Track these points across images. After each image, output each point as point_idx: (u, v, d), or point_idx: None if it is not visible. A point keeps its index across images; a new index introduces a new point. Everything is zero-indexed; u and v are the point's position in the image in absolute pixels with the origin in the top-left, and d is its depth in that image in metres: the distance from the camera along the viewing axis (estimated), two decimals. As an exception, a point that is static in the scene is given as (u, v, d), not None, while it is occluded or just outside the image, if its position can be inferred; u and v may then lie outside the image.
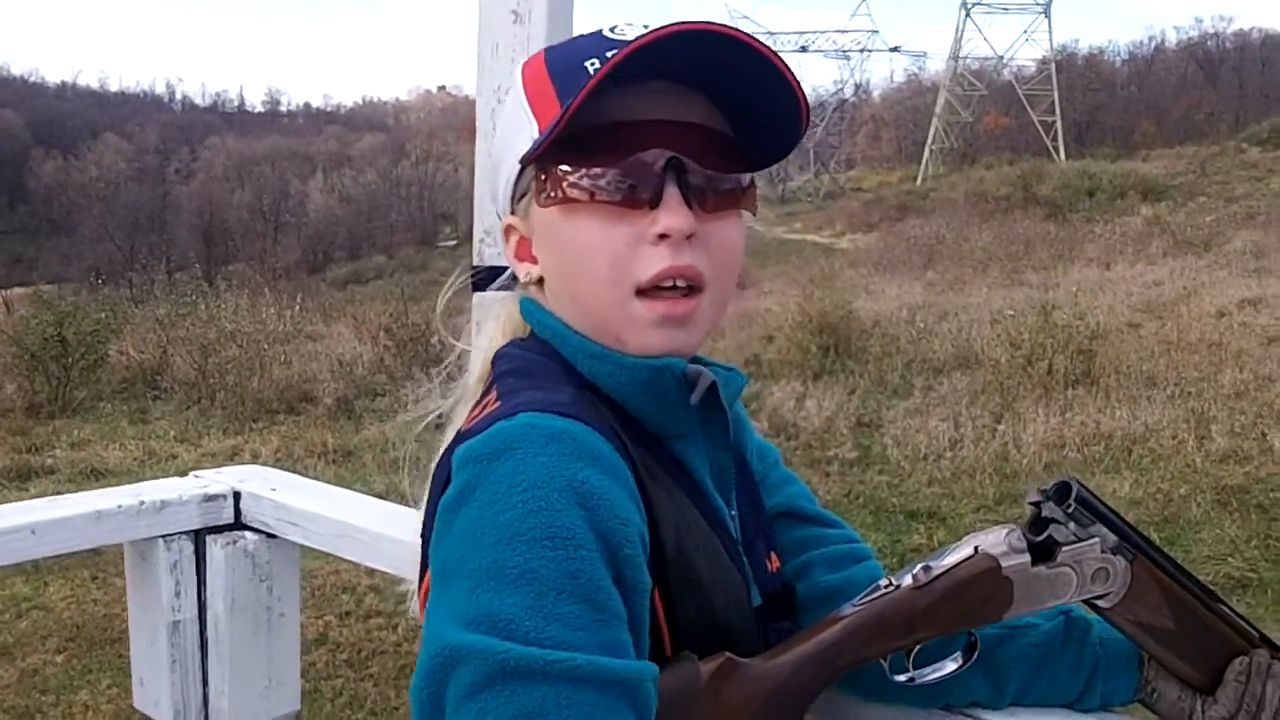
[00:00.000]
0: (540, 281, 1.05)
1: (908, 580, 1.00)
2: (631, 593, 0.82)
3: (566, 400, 0.91)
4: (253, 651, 1.78)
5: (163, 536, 1.74)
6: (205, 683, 1.78)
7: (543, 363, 1.01)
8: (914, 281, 19.29)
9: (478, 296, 1.16)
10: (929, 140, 61.64)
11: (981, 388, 10.66)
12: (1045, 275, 17.48)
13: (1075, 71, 72.48)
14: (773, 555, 1.10)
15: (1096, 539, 1.02)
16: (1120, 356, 11.19)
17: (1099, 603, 1.03)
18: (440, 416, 1.10)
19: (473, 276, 1.16)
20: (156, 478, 1.92)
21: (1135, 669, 1.09)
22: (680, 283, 0.97)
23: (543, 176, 1.00)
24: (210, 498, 1.77)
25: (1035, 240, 22.83)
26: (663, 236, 0.96)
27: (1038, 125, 62.20)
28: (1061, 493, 1.03)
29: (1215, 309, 13.76)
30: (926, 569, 1.00)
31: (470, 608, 0.77)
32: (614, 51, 0.94)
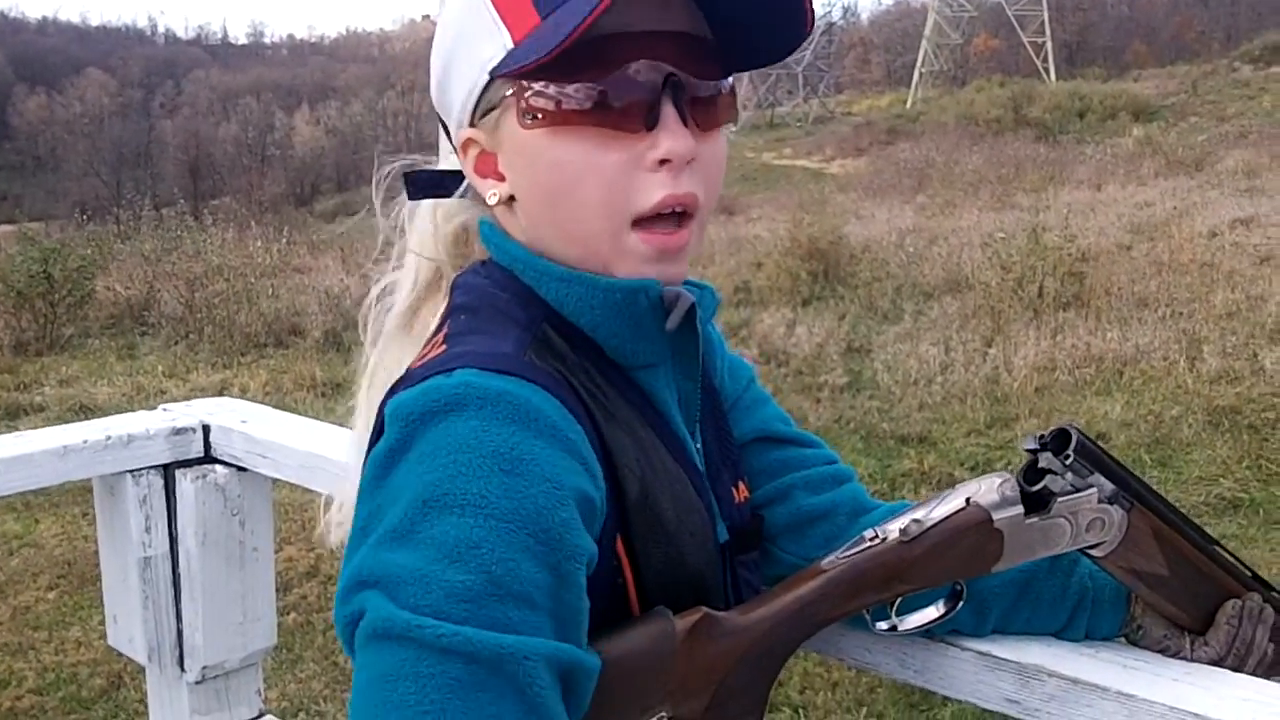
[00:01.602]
0: (509, 200, 0.97)
1: (894, 533, 0.96)
2: (566, 560, 0.77)
3: (510, 351, 0.87)
4: (226, 587, 1.74)
5: (130, 471, 1.70)
6: (179, 619, 1.75)
7: (497, 296, 0.95)
8: (904, 206, 19.20)
9: (410, 205, 1.09)
10: (918, 63, 61.09)
11: (972, 311, 10.63)
12: (1036, 198, 17.35)
13: (1066, -9, 71.68)
14: (740, 484, 1.05)
15: (1094, 489, 0.99)
16: (1111, 278, 11.15)
17: (1092, 551, 1.01)
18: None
19: (409, 184, 1.06)
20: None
21: (1122, 606, 1.07)
22: (677, 209, 0.91)
23: (522, 92, 0.91)
24: (179, 431, 1.73)
25: (1026, 162, 22.70)
26: (663, 161, 0.89)
27: (1028, 46, 61.68)
28: (1060, 441, 0.99)
29: (1207, 229, 13.70)
30: (917, 522, 0.96)
31: (368, 562, 0.75)
32: None
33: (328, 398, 9.54)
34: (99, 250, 15.25)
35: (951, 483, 5.82)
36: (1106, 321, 9.76)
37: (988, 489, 0.98)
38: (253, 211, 25.30)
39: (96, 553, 5.88)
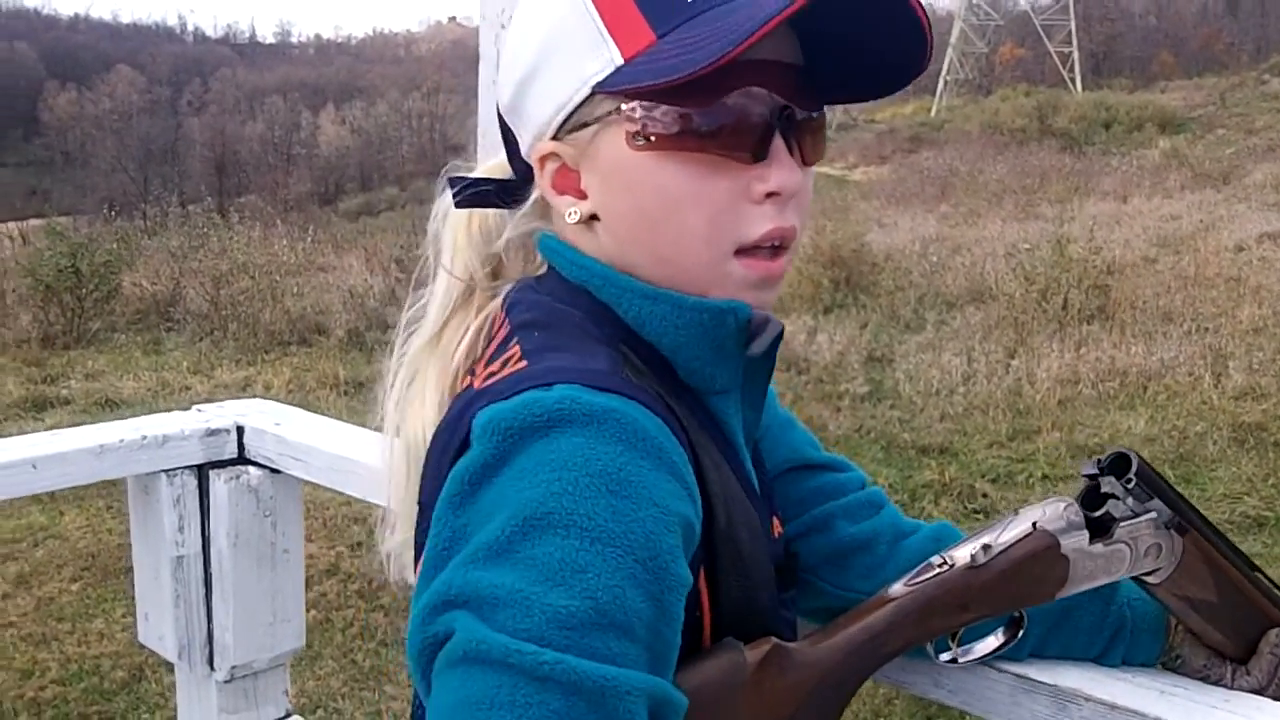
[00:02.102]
0: (590, 220, 0.92)
1: (963, 560, 0.95)
2: (668, 592, 0.73)
3: (605, 368, 0.82)
4: (257, 587, 1.76)
5: (165, 471, 1.71)
6: (209, 618, 1.77)
7: (568, 313, 0.90)
8: (927, 214, 19.15)
9: (442, 215, 1.04)
10: (943, 71, 60.95)
11: (995, 322, 10.59)
12: (1060, 208, 17.29)
13: (1092, 1, 71.44)
14: (775, 518, 1.01)
15: (1153, 513, 0.98)
16: (1136, 291, 11.10)
17: (1148, 578, 1.00)
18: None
19: (457, 189, 1.01)
20: (171, 410, 1.89)
21: (1162, 635, 1.06)
22: (779, 242, 0.89)
23: (633, 113, 0.87)
24: (213, 432, 1.75)
25: (1050, 173, 22.61)
26: (769, 194, 0.88)
27: (1054, 56, 61.49)
28: (1120, 465, 0.98)
29: (1234, 243, 13.63)
30: (986, 548, 0.95)
31: (457, 581, 0.71)
32: None
33: (350, 396, 9.57)
34: (126, 246, 15.32)
35: (972, 494, 5.78)
36: (1131, 335, 9.72)
37: (1053, 514, 0.96)
38: (278, 210, 25.45)
39: (120, 546, 5.93)
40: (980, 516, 6.37)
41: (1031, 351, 9.52)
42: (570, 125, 0.91)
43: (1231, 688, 1.03)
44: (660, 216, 0.89)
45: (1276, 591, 1.06)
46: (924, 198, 21.86)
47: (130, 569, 5.97)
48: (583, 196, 0.92)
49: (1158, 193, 19.78)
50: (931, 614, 0.94)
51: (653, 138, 0.87)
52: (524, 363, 0.85)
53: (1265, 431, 7.48)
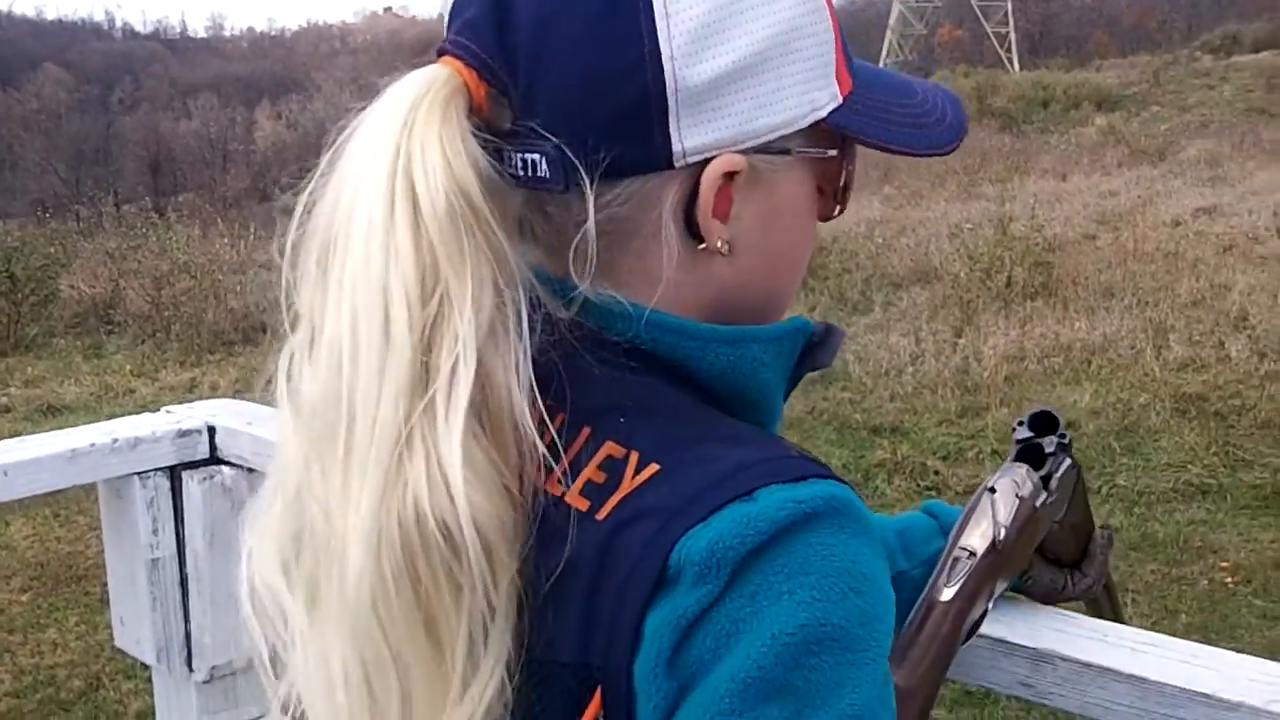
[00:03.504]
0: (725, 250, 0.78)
1: (981, 545, 1.00)
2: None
3: (779, 451, 0.72)
4: (234, 587, 1.76)
5: (138, 474, 1.71)
6: (187, 619, 1.77)
7: (642, 382, 0.76)
8: (871, 197, 19.26)
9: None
10: (883, 54, 61.28)
11: (941, 302, 10.72)
12: (1002, 188, 17.49)
13: (1028, -19, 72.14)
14: None
15: (1068, 460, 1.08)
16: (1078, 268, 11.27)
17: (1056, 517, 1.09)
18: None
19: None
20: (114, 413, 1.89)
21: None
22: None
23: (829, 156, 0.82)
24: (184, 433, 1.75)
25: (991, 152, 22.81)
26: None
27: (991, 37, 62.00)
28: (1047, 423, 1.08)
29: (1171, 218, 13.87)
30: (1000, 527, 1.00)
31: None
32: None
33: (299, 394, 9.50)
34: (62, 248, 15.10)
35: (924, 472, 5.83)
36: (1074, 311, 9.87)
37: (1022, 480, 1.03)
38: (216, 207, 25.16)
39: (70, 554, 5.85)
40: (933, 493, 6.45)
41: (978, 329, 9.65)
42: (770, 146, 0.78)
43: (1073, 592, 1.13)
44: (796, 260, 0.85)
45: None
46: (868, 180, 21.97)
47: (82, 576, 5.92)
48: (726, 222, 0.78)
49: (1096, 170, 20.05)
50: (973, 604, 0.99)
51: (842, 181, 0.84)
52: (655, 466, 0.70)
53: (1206, 401, 7.63)
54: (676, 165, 0.74)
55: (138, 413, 1.85)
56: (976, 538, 1.00)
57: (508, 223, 0.75)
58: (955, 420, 7.82)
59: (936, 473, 6.85)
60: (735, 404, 0.78)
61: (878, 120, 0.82)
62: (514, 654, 0.70)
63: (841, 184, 0.84)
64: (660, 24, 0.72)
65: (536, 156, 0.74)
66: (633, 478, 0.70)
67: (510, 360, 0.71)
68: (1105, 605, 1.20)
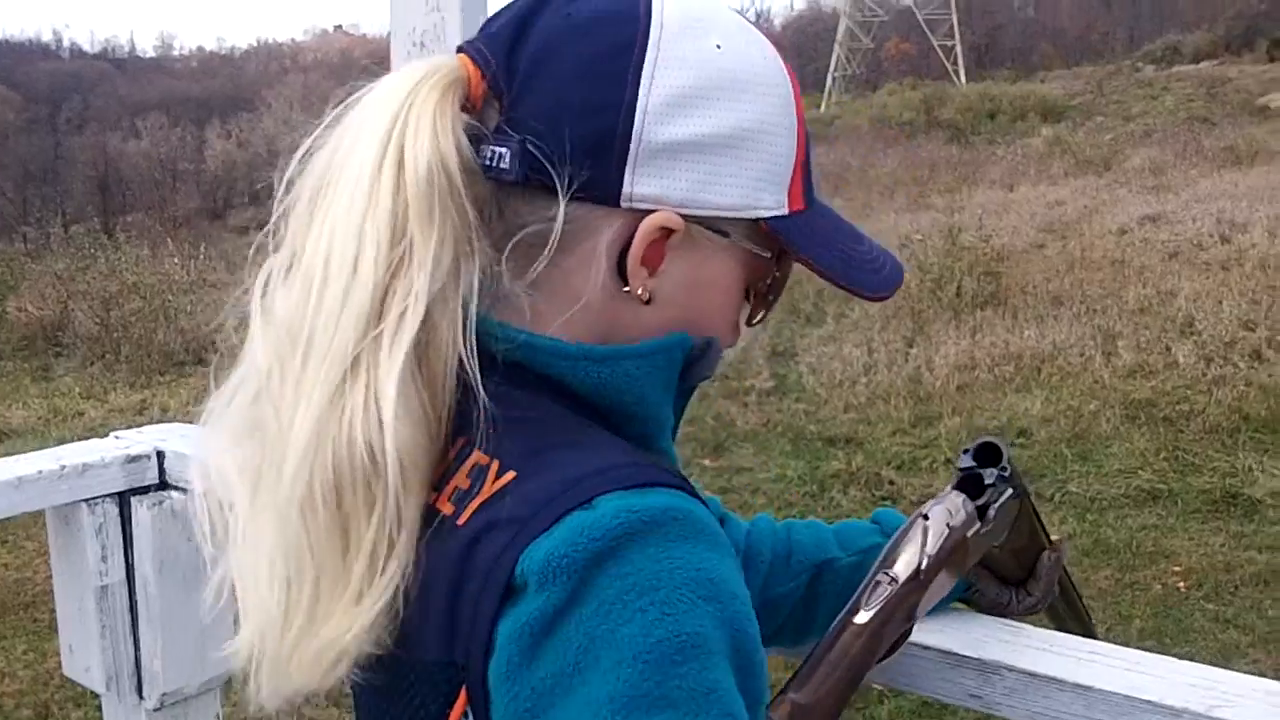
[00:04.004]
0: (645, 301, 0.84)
1: (905, 573, 1.01)
2: (759, 680, 0.74)
3: (622, 459, 0.76)
4: (184, 612, 1.74)
5: (86, 500, 1.70)
6: (137, 646, 1.75)
7: (507, 393, 0.80)
8: (822, 209, 19.37)
9: None
10: (831, 68, 61.71)
11: (893, 312, 10.78)
12: (950, 198, 17.67)
13: (973, -6, 72.92)
14: None
15: (1010, 490, 1.09)
16: (1026, 277, 11.39)
17: (995, 543, 1.10)
18: None
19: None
20: (63, 436, 1.87)
21: (961, 579, 1.12)
22: None
23: (765, 258, 0.89)
24: (133, 459, 1.73)
25: (939, 164, 23.05)
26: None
27: (938, 50, 62.60)
28: (990, 454, 1.10)
29: (1117, 226, 14.04)
30: (925, 559, 1.01)
31: None
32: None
33: (252, 415, 9.41)
34: (9, 270, 14.91)
35: (879, 482, 5.86)
36: (1024, 319, 9.97)
37: (955, 509, 1.05)
38: (166, 227, 24.89)
39: (17, 580, 5.76)
40: (888, 502, 6.48)
41: (929, 339, 9.72)
42: (709, 222, 0.84)
43: (1019, 610, 1.16)
44: (713, 333, 0.89)
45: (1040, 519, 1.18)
46: (818, 192, 22.10)
47: (30, 603, 5.82)
48: (653, 275, 0.84)
49: (1043, 180, 20.27)
50: (891, 629, 1.00)
51: (764, 288, 0.91)
52: (512, 473, 0.76)
53: (1155, 407, 7.72)
54: (623, 205, 0.82)
55: (87, 436, 1.84)
56: (901, 564, 1.02)
57: (476, 206, 0.82)
58: (909, 430, 7.87)
59: (891, 482, 6.89)
60: (617, 417, 0.83)
61: (818, 243, 0.89)
62: (411, 578, 0.76)
63: (767, 288, 0.91)
64: (645, 81, 0.81)
65: (504, 150, 0.81)
66: (491, 484, 0.76)
67: (455, 321, 0.79)
68: (1068, 617, 1.24)
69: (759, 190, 0.85)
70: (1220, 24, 49.83)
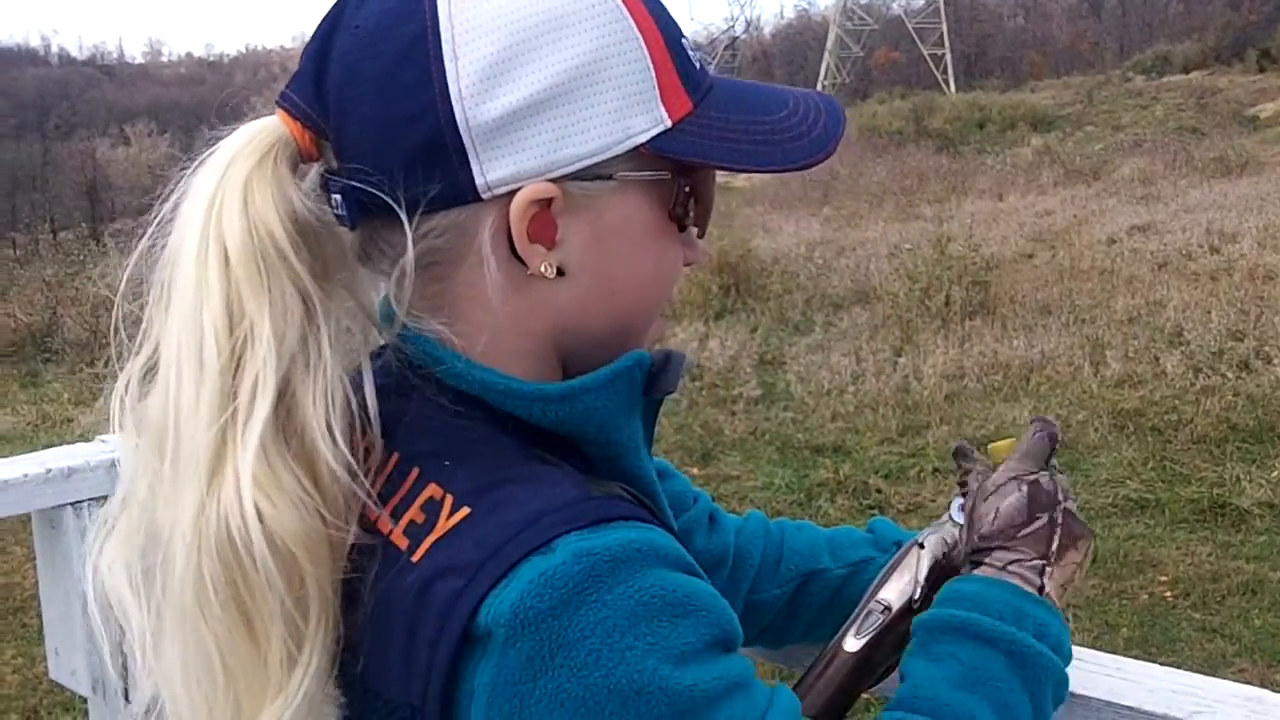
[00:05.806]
0: (556, 274, 0.82)
1: (898, 601, 1.01)
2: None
3: (576, 494, 0.75)
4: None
5: (71, 504, 1.69)
6: (123, 650, 1.74)
7: (468, 428, 0.80)
8: (811, 218, 19.44)
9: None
10: (821, 76, 61.88)
11: (881, 321, 10.80)
12: (939, 208, 17.72)
13: (963, 4, 73.21)
14: None
15: None
16: (1015, 286, 11.41)
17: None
18: None
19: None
20: (52, 442, 1.87)
21: None
22: None
23: (665, 180, 0.83)
24: (118, 462, 1.73)
25: (928, 173, 23.12)
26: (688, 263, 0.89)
27: (927, 59, 62.84)
28: None
29: (1106, 236, 14.09)
30: (919, 589, 1.01)
31: None
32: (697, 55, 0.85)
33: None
34: (-2, 277, 14.91)
35: (866, 491, 5.87)
36: (1012, 329, 9.98)
37: (950, 539, 1.04)
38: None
39: (5, 585, 5.72)
40: (875, 511, 6.49)
41: (917, 348, 9.73)
42: (585, 173, 0.80)
43: None
44: (641, 284, 0.85)
45: None
46: (807, 202, 22.17)
47: (19, 608, 5.81)
48: (552, 248, 0.81)
49: (1032, 190, 20.34)
50: (882, 657, 1.01)
51: (684, 211, 0.85)
52: (466, 510, 0.75)
53: (1143, 417, 7.74)
54: (485, 197, 0.79)
55: (75, 442, 1.83)
56: (894, 593, 1.02)
57: (332, 259, 0.81)
58: (896, 439, 7.87)
59: (879, 491, 6.89)
60: (582, 445, 0.82)
61: (718, 141, 0.83)
62: (334, 661, 0.76)
63: (687, 200, 0.85)
64: (449, 66, 0.77)
65: (339, 196, 0.80)
66: (446, 520, 0.75)
67: (319, 388, 0.76)
68: None
69: (625, 118, 0.80)
70: (1210, 34, 50.08)
